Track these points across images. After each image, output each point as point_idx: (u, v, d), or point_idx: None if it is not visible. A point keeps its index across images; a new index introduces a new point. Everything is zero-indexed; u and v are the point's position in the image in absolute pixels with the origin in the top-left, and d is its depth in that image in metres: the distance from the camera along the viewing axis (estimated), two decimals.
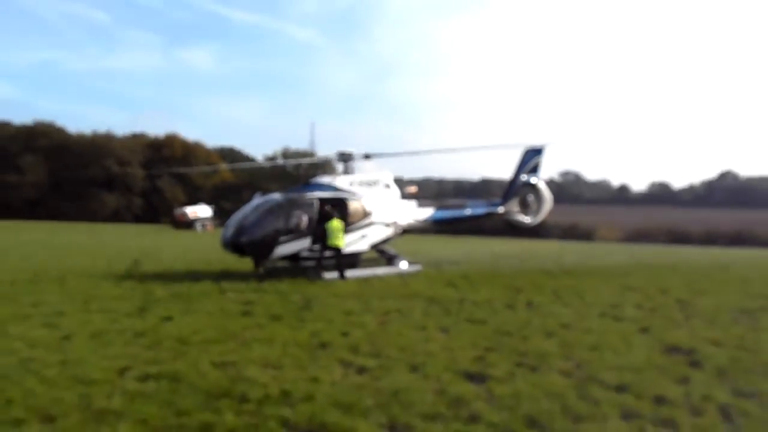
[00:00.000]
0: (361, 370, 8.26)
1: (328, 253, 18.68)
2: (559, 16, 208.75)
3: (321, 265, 19.05)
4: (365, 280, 18.17)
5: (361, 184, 20.78)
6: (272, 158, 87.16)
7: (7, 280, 16.71)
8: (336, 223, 18.33)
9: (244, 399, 6.90)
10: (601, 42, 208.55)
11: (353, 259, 20.28)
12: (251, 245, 18.27)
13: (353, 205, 19.87)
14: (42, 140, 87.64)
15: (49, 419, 6.25)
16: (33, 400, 6.76)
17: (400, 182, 22.84)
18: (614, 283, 18.09)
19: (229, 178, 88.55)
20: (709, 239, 65.28)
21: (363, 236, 20.10)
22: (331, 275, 18.39)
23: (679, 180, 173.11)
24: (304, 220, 18.68)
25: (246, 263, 19.66)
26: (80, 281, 16.90)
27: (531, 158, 25.49)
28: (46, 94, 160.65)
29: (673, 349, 9.66)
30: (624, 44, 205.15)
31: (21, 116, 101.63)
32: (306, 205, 18.93)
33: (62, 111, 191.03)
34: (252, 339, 10.02)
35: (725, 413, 6.71)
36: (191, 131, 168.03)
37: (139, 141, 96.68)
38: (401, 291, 15.90)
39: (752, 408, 6.86)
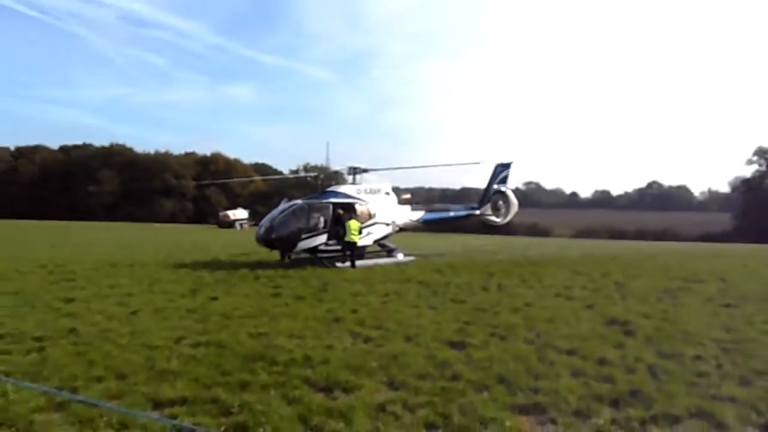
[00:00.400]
0: (367, 340, 8.29)
1: (344, 246, 18.67)
2: (518, 60, 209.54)
3: (335, 257, 19.08)
4: (370, 269, 18.15)
5: (366, 192, 20.76)
6: (296, 171, 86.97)
7: (90, 268, 16.75)
8: (353, 223, 18.39)
9: (274, 362, 6.91)
10: (550, 81, 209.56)
11: (360, 252, 20.29)
12: (279, 240, 18.34)
13: (360, 209, 19.86)
14: (116, 158, 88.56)
15: (122, 377, 6.28)
16: (110, 361, 6.81)
17: (397, 190, 22.84)
18: (566, 270, 18.08)
19: (261, 187, 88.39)
20: (640, 235, 65.26)
21: (368, 233, 20.07)
22: (343, 264, 18.42)
23: (617, 188, 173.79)
24: (322, 220, 18.71)
25: (275, 255, 19.69)
26: (145, 269, 16.94)
27: (501, 171, 25.41)
28: (120, 122, 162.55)
29: (612, 321, 9.65)
30: (570, 82, 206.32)
31: (100, 139, 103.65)
32: (323, 209, 18.94)
33: (132, 134, 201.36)
34: (280, 314, 10.05)
35: (652, 371, 6.71)
36: (232, 150, 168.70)
37: (190, 158, 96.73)
38: (398, 277, 15.87)
39: (673, 367, 6.87)
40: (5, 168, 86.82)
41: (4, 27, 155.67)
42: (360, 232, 18.63)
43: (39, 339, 7.96)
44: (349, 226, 18.23)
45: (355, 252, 18.70)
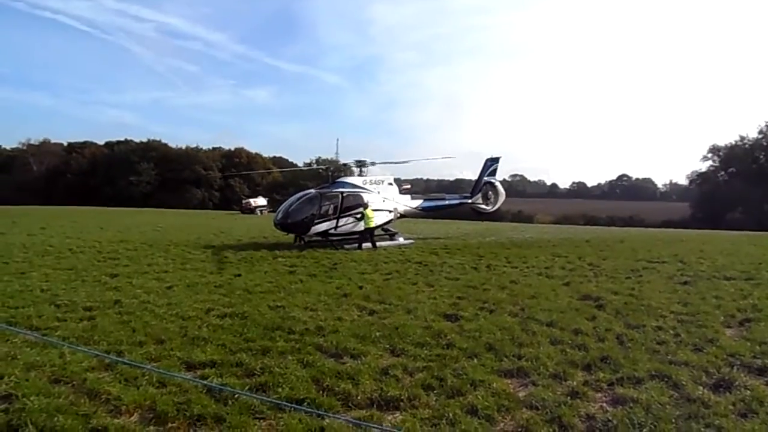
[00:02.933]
0: (372, 313, 8.30)
1: (363, 231, 18.73)
2: (506, 69, 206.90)
3: (344, 240, 19.11)
4: (374, 250, 18.17)
5: (371, 182, 20.67)
6: (309, 164, 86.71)
7: (132, 248, 16.85)
8: (369, 211, 18.43)
9: (291, 331, 6.96)
10: (535, 87, 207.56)
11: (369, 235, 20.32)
12: (294, 225, 18.39)
13: (366, 198, 19.82)
14: (153, 152, 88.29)
15: (160, 342, 6.36)
16: (149, 329, 6.89)
17: (398, 181, 22.67)
18: (547, 252, 18.05)
19: (278, 178, 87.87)
20: (611, 222, 64.92)
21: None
22: (351, 246, 18.43)
23: (592, 180, 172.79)
24: (332, 207, 18.71)
25: (291, 237, 19.71)
26: (178, 249, 17.01)
27: (491, 165, 25.19)
28: (157, 121, 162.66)
29: (586, 297, 9.64)
30: (552, 88, 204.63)
31: (139, 135, 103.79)
32: (333, 197, 18.94)
33: (167, 132, 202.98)
34: (296, 290, 10.08)
35: (620, 340, 6.75)
36: (253, 145, 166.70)
37: (217, 152, 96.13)
38: (399, 257, 15.87)
39: (637, 335, 6.91)
40: (60, 161, 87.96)
41: (64, 41, 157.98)
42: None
43: (89, 309, 8.06)
44: (367, 214, 18.32)
45: (372, 235, 18.81)
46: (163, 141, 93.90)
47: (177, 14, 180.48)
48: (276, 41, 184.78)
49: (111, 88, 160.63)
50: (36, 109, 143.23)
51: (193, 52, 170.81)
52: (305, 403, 4.57)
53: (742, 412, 4.55)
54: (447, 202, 25.02)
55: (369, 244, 18.50)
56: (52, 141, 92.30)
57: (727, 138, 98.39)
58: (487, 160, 25.34)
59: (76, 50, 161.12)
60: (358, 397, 4.82)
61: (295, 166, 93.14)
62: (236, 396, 4.58)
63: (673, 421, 4.35)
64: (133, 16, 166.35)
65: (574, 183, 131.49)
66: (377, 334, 6.83)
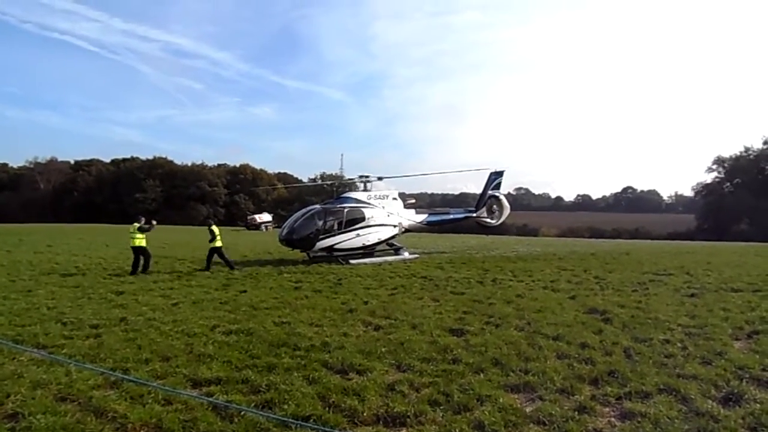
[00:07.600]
0: (377, 328, 8.28)
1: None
2: (509, 84, 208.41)
3: (349, 255, 19.09)
4: (379, 265, 18.15)
5: (376, 197, 20.73)
6: (314, 180, 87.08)
7: None
8: (216, 228, 16.79)
9: (296, 347, 6.94)
10: (540, 100, 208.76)
11: (371, 250, 20.31)
12: (299, 241, 18.38)
13: (370, 213, 19.86)
14: (159, 169, 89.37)
15: (166, 359, 6.36)
16: (155, 346, 6.89)
17: (403, 195, 22.69)
18: (552, 266, 17.96)
19: (283, 194, 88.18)
20: (616, 234, 64.65)
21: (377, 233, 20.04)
22: (356, 262, 18.39)
23: (597, 192, 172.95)
24: (336, 223, 18.75)
25: (296, 253, 19.72)
26: (184, 266, 17.05)
27: (495, 178, 25.22)
28: (163, 138, 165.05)
29: (592, 310, 9.58)
30: (556, 100, 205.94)
31: (145, 153, 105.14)
32: (337, 213, 18.99)
33: (173, 149, 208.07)
34: (301, 306, 10.07)
35: (627, 353, 6.69)
36: (258, 161, 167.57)
37: (222, 169, 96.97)
38: (405, 272, 15.84)
39: (645, 349, 6.86)
40: (67, 179, 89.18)
41: (72, 61, 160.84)
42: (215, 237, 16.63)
43: (95, 326, 8.08)
44: (213, 232, 16.71)
45: (222, 254, 16.70)
46: (169, 158, 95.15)
47: (183, 34, 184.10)
48: (280, 59, 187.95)
49: (118, 107, 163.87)
50: (44, 127, 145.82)
51: (199, 70, 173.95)
52: (311, 420, 4.56)
53: (751, 426, 4.50)
54: (452, 216, 24.98)
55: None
56: (59, 159, 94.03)
57: (732, 149, 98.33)
58: (491, 174, 25.39)
59: (83, 70, 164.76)
60: (365, 414, 4.80)
61: (300, 181, 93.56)
62: (242, 413, 4.58)
63: None
64: (140, 36, 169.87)
65: (579, 195, 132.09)
66: (383, 349, 6.80)
